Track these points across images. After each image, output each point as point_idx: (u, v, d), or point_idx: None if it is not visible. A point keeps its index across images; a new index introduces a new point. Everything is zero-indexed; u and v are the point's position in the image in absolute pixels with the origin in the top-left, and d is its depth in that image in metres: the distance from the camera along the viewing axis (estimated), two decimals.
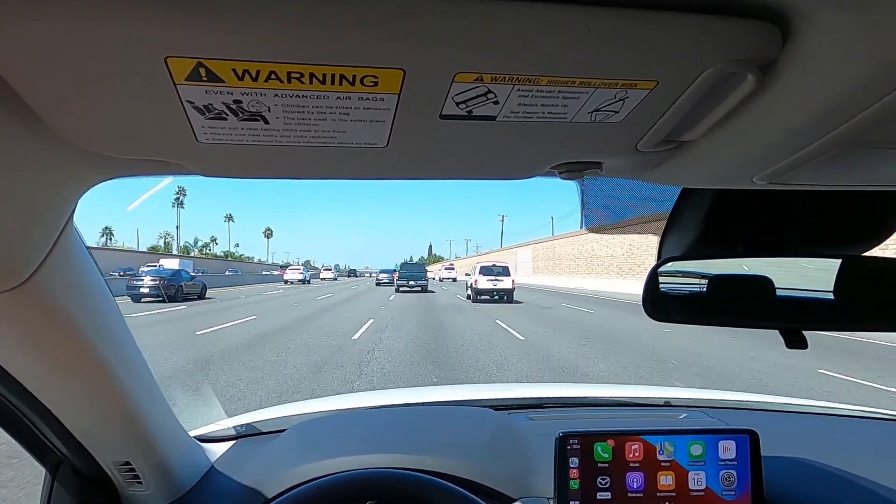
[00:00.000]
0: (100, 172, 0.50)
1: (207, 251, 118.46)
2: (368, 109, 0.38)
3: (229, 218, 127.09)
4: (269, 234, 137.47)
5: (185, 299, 21.34)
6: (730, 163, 0.48)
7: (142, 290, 19.82)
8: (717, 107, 0.39)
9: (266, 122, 0.38)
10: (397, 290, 28.79)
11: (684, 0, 0.31)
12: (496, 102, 0.38)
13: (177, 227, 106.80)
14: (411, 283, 28.82)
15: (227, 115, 0.37)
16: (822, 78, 0.34)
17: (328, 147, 0.43)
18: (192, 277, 23.78)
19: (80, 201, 0.57)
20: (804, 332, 0.72)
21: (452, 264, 72.26)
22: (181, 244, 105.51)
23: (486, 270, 22.06)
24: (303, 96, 0.36)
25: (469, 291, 22.93)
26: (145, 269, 23.24)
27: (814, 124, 0.39)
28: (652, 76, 0.36)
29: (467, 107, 0.38)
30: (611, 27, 0.32)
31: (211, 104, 0.36)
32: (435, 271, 75.59)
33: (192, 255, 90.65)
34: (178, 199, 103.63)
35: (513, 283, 21.89)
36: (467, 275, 48.63)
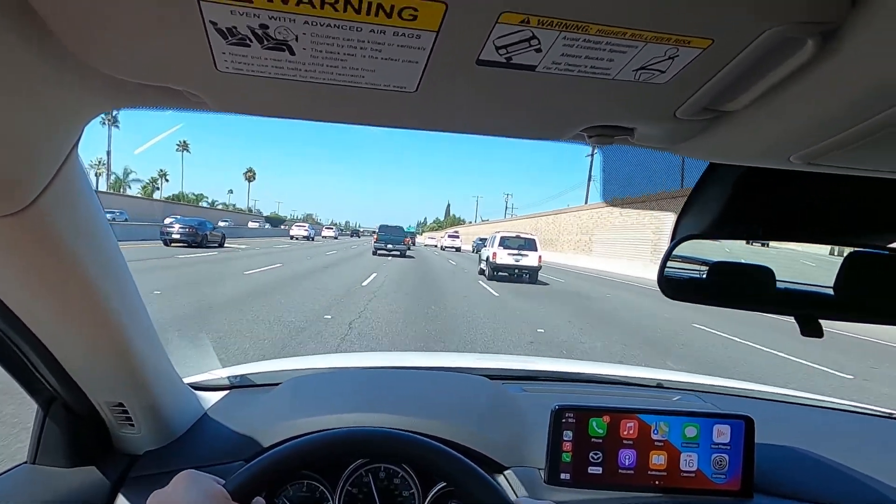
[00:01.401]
0: (110, 98, 0.48)
1: (147, 189, 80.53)
2: (402, 47, 0.35)
3: (183, 147, 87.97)
4: (251, 176, 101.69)
5: (208, 246, 24.44)
6: (769, 138, 0.46)
7: (173, 235, 23.16)
8: (768, 74, 0.37)
9: (291, 52, 0.36)
10: (374, 253, 27.32)
11: None
12: (538, 50, 0.35)
13: (108, 152, 69.69)
14: (389, 246, 27.60)
15: (251, 41, 0.35)
16: (888, 50, 0.32)
17: (354, 87, 0.41)
18: (214, 227, 27.30)
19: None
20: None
21: (457, 231, 63.75)
22: (110, 178, 70.20)
23: (507, 242, 17.56)
24: (334, 26, 0.33)
25: (483, 265, 19.00)
26: (170, 220, 25.90)
27: (870, 101, 0.36)
28: (708, 33, 0.33)
29: (507, 52, 0.36)
30: None
31: (235, 27, 0.33)
32: (437, 238, 70.83)
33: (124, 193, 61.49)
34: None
35: (539, 261, 17.53)
36: (479, 242, 45.56)
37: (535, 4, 0.31)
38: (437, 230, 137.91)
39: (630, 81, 0.39)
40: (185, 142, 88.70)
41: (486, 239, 19.88)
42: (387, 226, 29.78)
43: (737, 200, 0.69)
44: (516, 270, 17.53)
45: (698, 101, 0.42)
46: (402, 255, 28.17)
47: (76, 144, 0.55)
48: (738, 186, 0.68)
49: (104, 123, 63.38)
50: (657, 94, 0.41)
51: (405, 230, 29.58)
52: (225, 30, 0.34)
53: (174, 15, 0.33)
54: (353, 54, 0.36)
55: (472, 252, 23.61)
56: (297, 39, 0.35)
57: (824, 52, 0.33)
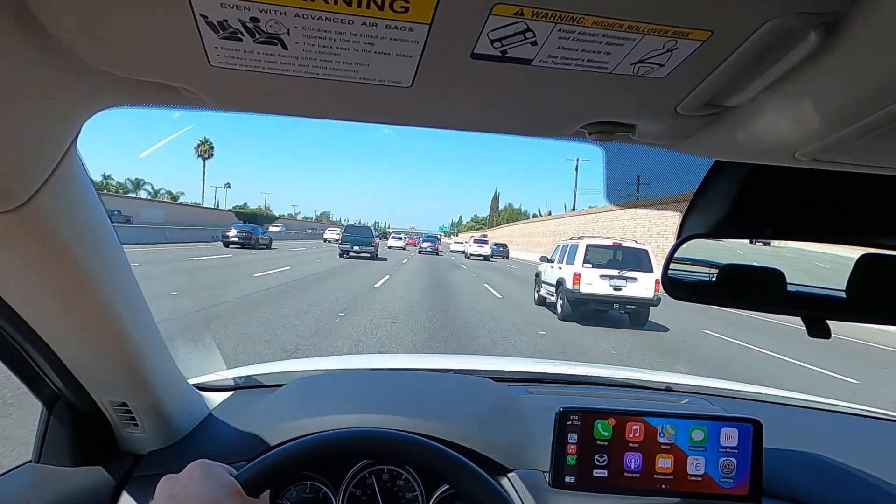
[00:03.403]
0: (107, 95, 0.48)
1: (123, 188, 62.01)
2: (395, 41, 0.35)
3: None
4: (205, 151, 72.10)
5: (257, 248, 28.46)
6: (774, 134, 0.45)
7: (230, 238, 27.92)
8: (770, 68, 0.36)
9: (284, 46, 0.36)
10: (341, 256, 25.37)
11: None
12: (534, 43, 0.35)
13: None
14: (356, 248, 25.61)
15: (242, 34, 0.34)
16: (892, 40, 0.31)
17: (348, 83, 0.41)
18: (263, 232, 31.82)
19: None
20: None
21: (486, 235, 49.51)
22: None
23: (597, 257, 10.77)
24: (326, 19, 0.33)
25: (546, 292, 12.13)
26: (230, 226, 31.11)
27: (876, 94, 0.35)
28: (707, 25, 0.32)
29: (502, 45, 0.35)
30: None
31: (226, 20, 0.33)
32: (464, 242, 52.44)
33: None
34: None
35: (656, 288, 10.13)
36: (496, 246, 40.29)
37: None
38: (477, 229, 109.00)
39: (629, 76, 0.39)
40: (207, 142, 73.38)
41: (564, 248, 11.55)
42: (353, 226, 28.56)
43: (743, 199, 0.68)
44: (615, 305, 10.48)
45: (699, 95, 0.41)
46: (373, 258, 26.09)
47: (74, 141, 0.55)
48: (744, 185, 0.67)
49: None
50: (657, 88, 0.40)
51: (373, 232, 27.93)
52: (216, 23, 0.33)
53: (164, 8, 0.33)
54: (346, 48, 0.36)
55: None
56: (288, 33, 0.34)
57: (827, 45, 0.33)
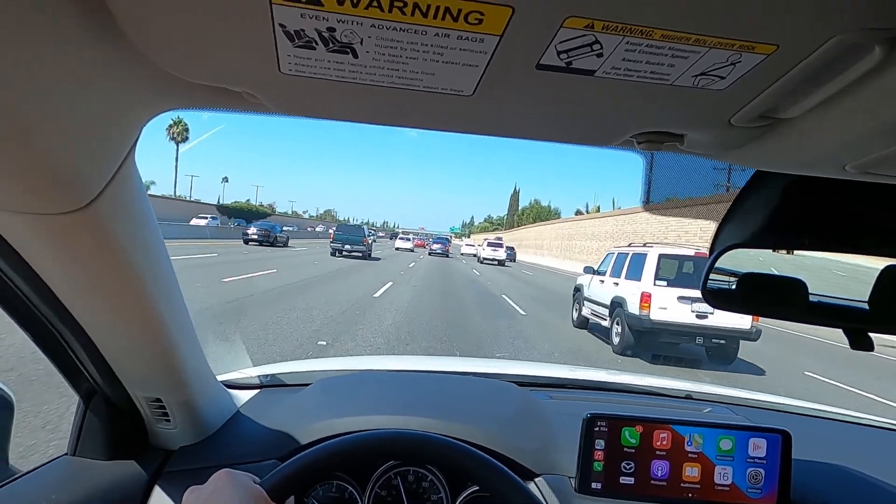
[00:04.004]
0: (171, 98, 0.49)
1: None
2: (465, 51, 0.35)
3: (180, 135, 61.74)
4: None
5: (275, 245, 29.68)
6: (826, 147, 0.45)
7: (250, 236, 29.20)
8: (830, 81, 0.36)
9: (355, 55, 0.37)
10: (332, 254, 24.93)
11: None
12: (600, 55, 0.35)
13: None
14: (347, 246, 25.05)
15: (316, 43, 0.35)
16: None
17: (411, 90, 0.41)
18: (281, 231, 33.33)
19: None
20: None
21: (500, 238, 44.62)
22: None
23: (678, 274, 8.00)
24: (399, 30, 0.34)
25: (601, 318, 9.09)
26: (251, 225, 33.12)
27: None
28: (773, 38, 0.33)
29: (568, 57, 0.36)
30: None
31: (303, 30, 0.34)
32: (475, 245, 50.26)
33: None
34: None
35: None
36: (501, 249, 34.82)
37: (602, 9, 0.31)
38: (493, 230, 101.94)
39: (687, 87, 0.39)
40: (181, 123, 61.78)
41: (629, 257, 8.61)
42: (345, 225, 28.88)
43: (783, 209, 0.68)
44: (699, 339, 7.74)
45: (755, 108, 0.42)
46: (365, 257, 25.53)
47: (134, 144, 0.56)
48: (786, 194, 0.66)
49: (171, 140, 60.86)
50: (714, 99, 0.41)
51: (365, 232, 27.24)
52: (293, 32, 0.34)
53: (246, 17, 0.34)
54: (416, 57, 0.37)
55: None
56: (361, 42, 0.35)
57: (890, 59, 0.33)
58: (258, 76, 0.42)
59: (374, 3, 0.31)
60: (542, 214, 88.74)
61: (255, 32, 0.35)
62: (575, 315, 10.48)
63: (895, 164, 0.44)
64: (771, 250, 0.79)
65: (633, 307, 7.79)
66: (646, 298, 7.63)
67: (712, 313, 7.28)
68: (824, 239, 0.69)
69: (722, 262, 0.79)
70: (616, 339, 8.23)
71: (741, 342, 7.85)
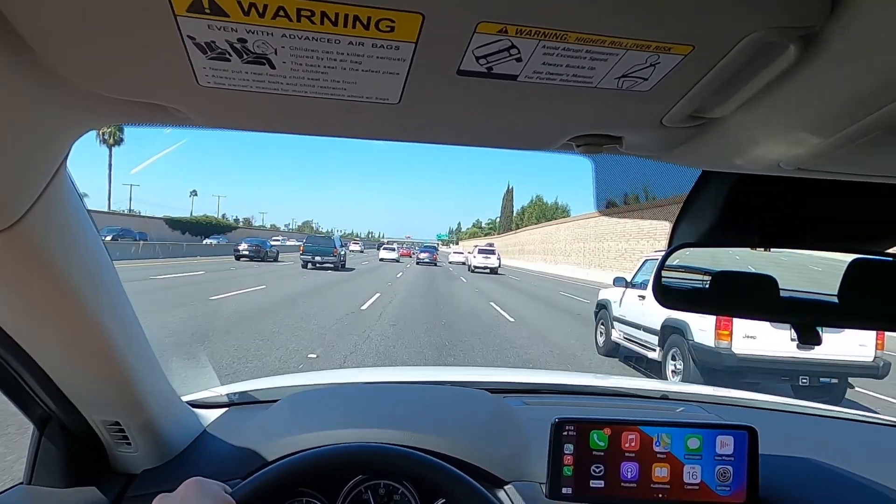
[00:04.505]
0: (95, 116, 0.48)
1: None
2: (382, 59, 0.35)
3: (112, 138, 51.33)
4: (112, 136, 51.74)
5: (265, 261, 30.28)
6: (757, 144, 0.45)
7: (242, 252, 29.86)
8: (751, 80, 0.37)
9: (272, 66, 0.36)
10: (304, 266, 24.51)
11: None
12: (519, 59, 0.35)
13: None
14: (317, 258, 24.55)
15: (230, 55, 0.35)
16: (869, 53, 0.32)
17: (337, 100, 0.41)
18: (271, 246, 33.92)
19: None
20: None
21: (492, 244, 41.40)
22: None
23: None
24: (312, 39, 0.33)
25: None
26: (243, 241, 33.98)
27: (854, 105, 0.36)
28: (688, 40, 0.33)
29: (488, 62, 0.36)
30: None
31: (213, 41, 0.33)
32: (465, 252, 47.40)
33: None
34: None
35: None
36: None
37: (513, 13, 0.31)
38: (485, 234, 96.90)
39: (613, 89, 0.39)
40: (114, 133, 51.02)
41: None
42: (315, 237, 29.02)
43: (732, 208, 0.69)
44: (803, 379, 5.47)
45: (683, 107, 0.42)
46: (337, 268, 24.90)
47: (64, 161, 0.55)
48: (733, 193, 0.67)
49: (102, 143, 51.10)
50: (642, 101, 0.41)
51: (335, 243, 25.69)
52: (204, 44, 0.34)
53: (152, 31, 0.33)
54: (334, 67, 0.36)
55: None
56: (276, 53, 0.35)
57: (806, 57, 0.33)
58: (178, 90, 0.41)
59: (281, 13, 0.31)
60: (546, 213, 74.35)
61: (165, 46, 0.34)
62: (600, 339, 8.44)
63: (826, 159, 0.44)
64: (749, 248, 0.79)
65: (702, 336, 5.65)
66: (724, 327, 5.44)
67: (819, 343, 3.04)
68: (773, 236, 0.70)
69: (694, 261, 0.79)
70: (674, 377, 6.07)
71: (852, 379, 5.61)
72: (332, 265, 24.83)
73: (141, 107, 0.45)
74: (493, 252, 33.16)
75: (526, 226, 67.16)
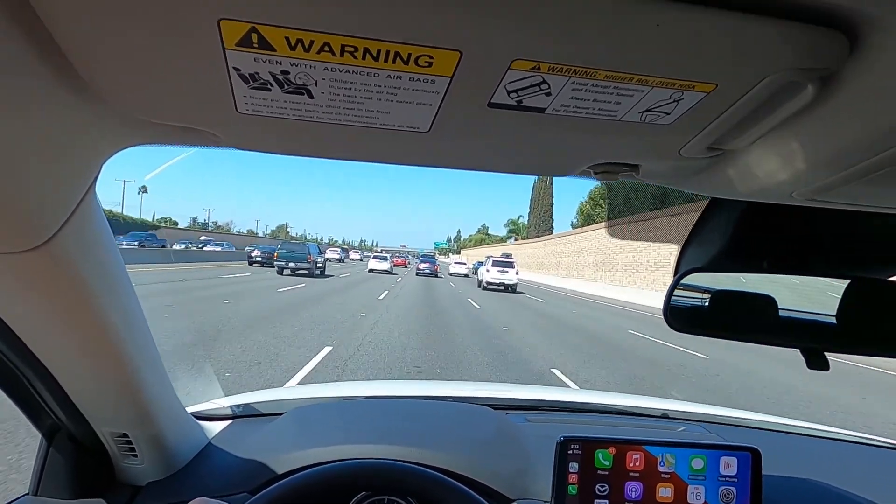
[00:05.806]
0: (130, 136, 0.49)
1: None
2: (417, 91, 0.36)
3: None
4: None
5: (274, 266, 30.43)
6: (773, 176, 0.47)
7: (255, 258, 30.94)
8: (769, 116, 0.38)
9: (311, 96, 0.37)
10: (279, 273, 23.54)
11: (754, 2, 0.30)
12: (548, 94, 0.37)
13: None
14: (291, 265, 23.93)
15: (271, 85, 0.36)
16: (885, 94, 0.33)
17: (369, 128, 0.42)
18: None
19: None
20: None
21: (510, 255, 33.51)
22: None
23: None
24: (353, 72, 0.34)
25: None
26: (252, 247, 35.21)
27: (869, 142, 0.37)
28: (712, 78, 0.35)
29: (518, 96, 0.37)
30: (678, 24, 0.30)
31: (257, 73, 0.35)
32: (466, 263, 43.40)
33: None
34: None
35: None
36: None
37: (546, 52, 0.32)
38: (498, 241, 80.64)
39: (636, 122, 0.41)
40: None
41: None
42: (289, 243, 28.06)
43: (740, 234, 0.70)
44: None
45: (702, 140, 0.43)
46: (312, 275, 24.04)
47: (94, 181, 0.56)
48: (741, 220, 0.69)
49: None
50: (662, 133, 0.42)
51: (309, 249, 25.74)
52: (248, 75, 0.35)
53: (199, 61, 0.34)
54: (370, 97, 0.37)
55: None
56: (316, 84, 0.36)
57: (823, 96, 0.35)
58: (216, 116, 0.42)
59: (326, 48, 0.32)
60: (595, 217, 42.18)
61: (210, 75, 0.35)
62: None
63: (837, 192, 0.46)
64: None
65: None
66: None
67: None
68: (781, 262, 0.71)
69: (699, 280, 0.80)
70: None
71: None
72: (306, 272, 24.32)
73: (175, 129, 0.46)
74: (510, 265, 26.24)
75: (592, 224, 39.71)
